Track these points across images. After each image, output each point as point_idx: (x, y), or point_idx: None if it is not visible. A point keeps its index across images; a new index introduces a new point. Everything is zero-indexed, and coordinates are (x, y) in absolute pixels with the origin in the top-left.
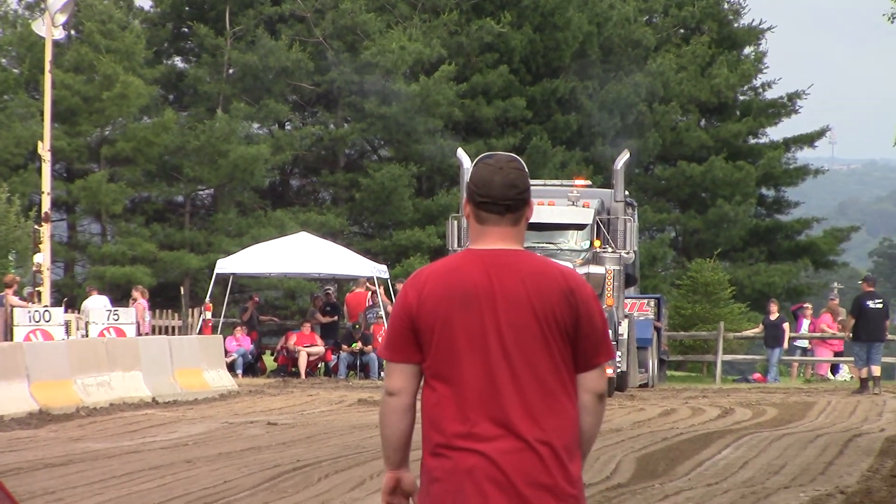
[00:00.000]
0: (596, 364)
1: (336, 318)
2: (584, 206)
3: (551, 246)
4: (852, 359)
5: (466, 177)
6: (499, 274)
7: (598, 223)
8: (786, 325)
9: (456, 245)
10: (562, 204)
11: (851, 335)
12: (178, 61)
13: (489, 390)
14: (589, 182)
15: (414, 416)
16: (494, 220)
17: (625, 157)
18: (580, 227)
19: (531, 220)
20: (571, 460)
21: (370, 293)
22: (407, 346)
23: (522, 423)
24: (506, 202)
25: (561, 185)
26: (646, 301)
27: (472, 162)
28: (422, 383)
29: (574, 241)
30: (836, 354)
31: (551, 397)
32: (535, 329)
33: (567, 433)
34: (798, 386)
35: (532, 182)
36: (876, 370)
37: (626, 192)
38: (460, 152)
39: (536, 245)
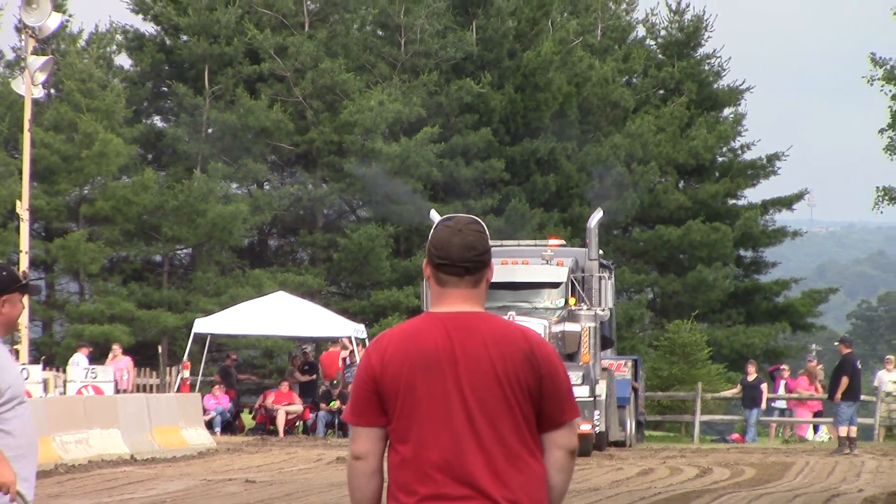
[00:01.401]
0: (563, 422)
1: (314, 376)
2: (558, 265)
3: (526, 305)
4: (831, 419)
5: None
6: (460, 337)
7: (572, 281)
8: (764, 386)
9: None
10: (536, 263)
11: (841, 396)
12: (157, 120)
13: (454, 453)
14: (563, 241)
15: (381, 479)
16: (454, 282)
17: (598, 215)
18: (554, 285)
19: (507, 280)
20: None
21: (349, 352)
22: (371, 410)
23: (489, 483)
24: (465, 264)
25: (535, 245)
26: (623, 362)
27: None
28: (388, 445)
29: (549, 299)
30: (816, 414)
31: (516, 458)
32: (497, 392)
33: (535, 492)
34: (776, 446)
35: (506, 242)
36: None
37: (601, 253)
38: (433, 213)
39: (511, 304)
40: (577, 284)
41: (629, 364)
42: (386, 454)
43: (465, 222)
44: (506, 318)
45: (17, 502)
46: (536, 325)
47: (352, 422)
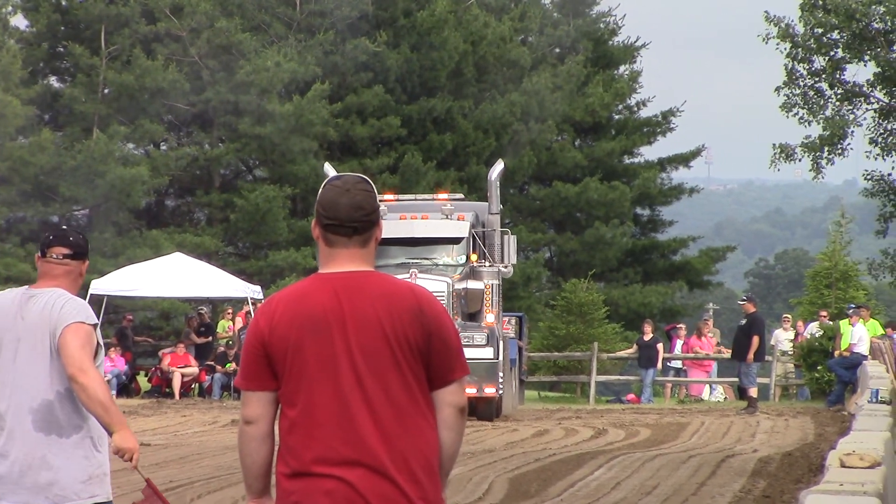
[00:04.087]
0: (452, 379)
1: (210, 338)
2: (458, 220)
3: (426, 261)
4: (728, 379)
5: None
6: (349, 296)
7: (474, 237)
8: (660, 346)
9: None
10: (436, 218)
11: (754, 357)
12: (53, 81)
13: (343, 414)
14: (461, 195)
15: (272, 444)
16: (343, 242)
17: (499, 167)
18: (456, 240)
19: (405, 236)
20: (430, 480)
21: (245, 313)
22: (261, 373)
23: (378, 445)
24: (353, 224)
25: (434, 199)
26: (507, 319)
27: None
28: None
29: (450, 255)
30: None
31: (406, 418)
32: (385, 351)
33: (423, 453)
34: (672, 407)
35: (403, 196)
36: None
37: (501, 208)
38: (328, 167)
39: (410, 260)
40: (478, 240)
41: (514, 321)
42: (277, 419)
43: (352, 182)
44: (407, 275)
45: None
46: (438, 283)
47: (242, 386)
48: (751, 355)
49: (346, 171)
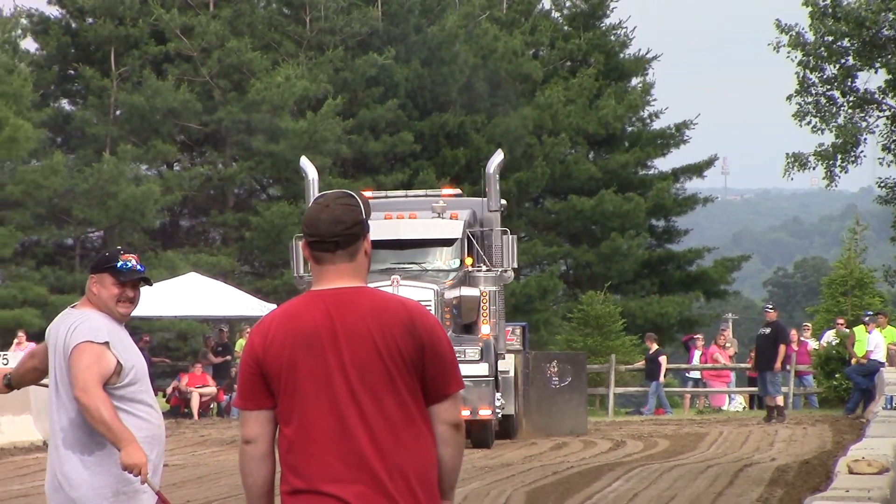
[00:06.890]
0: (447, 394)
1: (228, 357)
2: (451, 218)
3: (415, 266)
4: (747, 389)
5: (312, 188)
6: (340, 313)
7: (469, 237)
8: (662, 359)
9: (301, 270)
10: (425, 216)
11: (780, 365)
12: (65, 104)
13: (339, 431)
14: (458, 191)
15: (273, 463)
16: (328, 258)
17: (498, 158)
18: (447, 242)
19: (390, 238)
20: (428, 496)
21: None
22: (258, 392)
23: (375, 461)
24: (334, 238)
25: (425, 196)
26: (510, 329)
27: (317, 174)
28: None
29: (442, 259)
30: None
31: (401, 433)
32: (379, 366)
33: (421, 468)
34: (690, 417)
35: (392, 193)
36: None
37: (504, 204)
38: (304, 161)
39: (397, 265)
40: (474, 241)
41: (518, 332)
42: (277, 438)
43: (333, 197)
44: (389, 281)
45: (146, 487)
46: (424, 291)
47: (240, 406)
48: (778, 364)
49: (359, 188)
